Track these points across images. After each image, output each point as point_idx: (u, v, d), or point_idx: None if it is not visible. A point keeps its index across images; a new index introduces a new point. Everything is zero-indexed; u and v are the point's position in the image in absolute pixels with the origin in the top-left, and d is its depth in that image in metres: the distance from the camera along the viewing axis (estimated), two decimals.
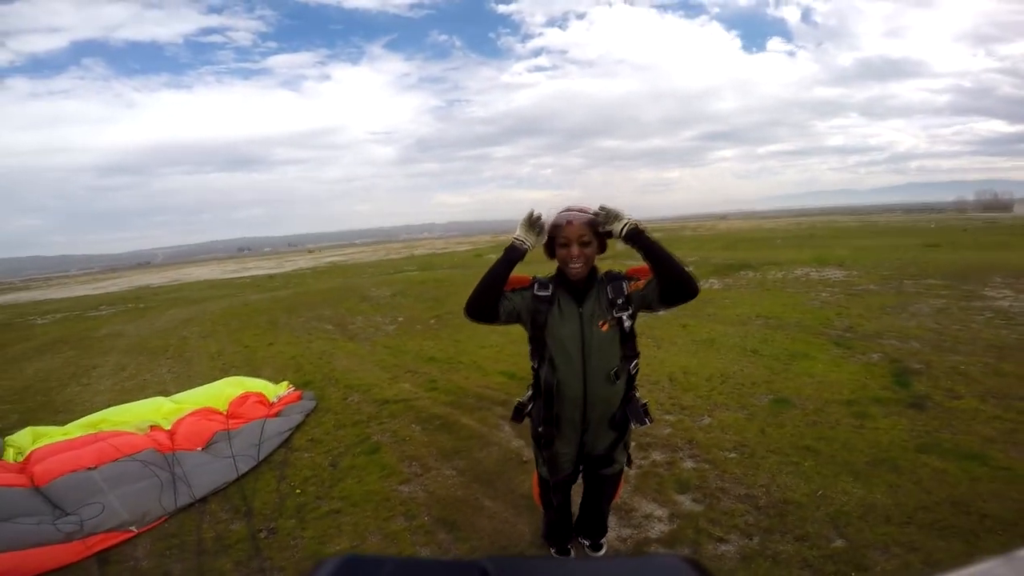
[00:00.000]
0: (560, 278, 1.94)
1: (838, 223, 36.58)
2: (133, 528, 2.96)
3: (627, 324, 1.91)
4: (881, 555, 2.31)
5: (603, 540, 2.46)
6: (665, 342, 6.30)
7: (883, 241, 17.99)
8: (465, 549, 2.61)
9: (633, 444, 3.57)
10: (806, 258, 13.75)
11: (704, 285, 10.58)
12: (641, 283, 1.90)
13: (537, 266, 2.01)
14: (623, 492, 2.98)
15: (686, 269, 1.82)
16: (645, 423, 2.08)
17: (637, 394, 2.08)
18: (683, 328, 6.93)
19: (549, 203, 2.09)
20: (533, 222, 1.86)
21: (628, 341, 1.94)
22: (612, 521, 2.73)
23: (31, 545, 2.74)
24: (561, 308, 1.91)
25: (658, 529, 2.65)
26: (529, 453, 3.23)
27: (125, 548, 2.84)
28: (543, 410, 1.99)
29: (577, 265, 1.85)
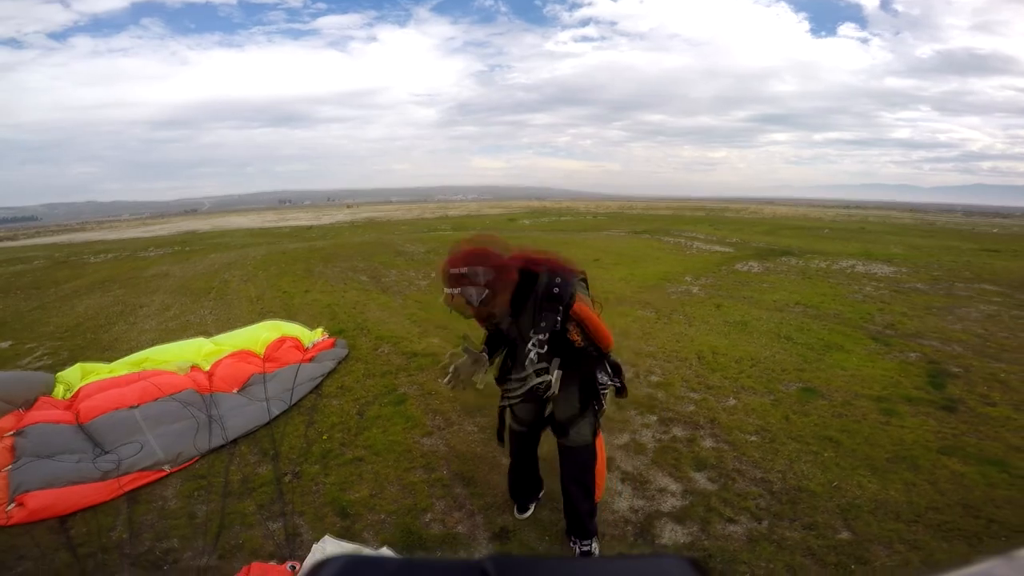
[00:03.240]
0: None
1: (893, 218, 34.71)
2: (166, 468, 3.10)
3: (543, 341, 1.95)
4: (884, 550, 2.31)
5: (589, 544, 2.29)
6: (697, 320, 6.23)
7: (939, 242, 17.01)
8: (480, 505, 2.71)
9: (655, 418, 3.62)
10: (853, 251, 13.16)
11: (743, 267, 10.35)
12: (579, 341, 1.96)
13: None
14: (640, 464, 3.03)
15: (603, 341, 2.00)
16: (602, 405, 2.17)
17: (605, 376, 2.12)
18: (717, 308, 6.82)
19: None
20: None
21: (555, 349, 1.97)
22: (626, 490, 2.80)
23: (68, 483, 2.86)
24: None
25: (670, 503, 2.70)
26: None
27: (155, 488, 2.98)
28: (500, 373, 2.25)
29: (484, 325, 2.11)
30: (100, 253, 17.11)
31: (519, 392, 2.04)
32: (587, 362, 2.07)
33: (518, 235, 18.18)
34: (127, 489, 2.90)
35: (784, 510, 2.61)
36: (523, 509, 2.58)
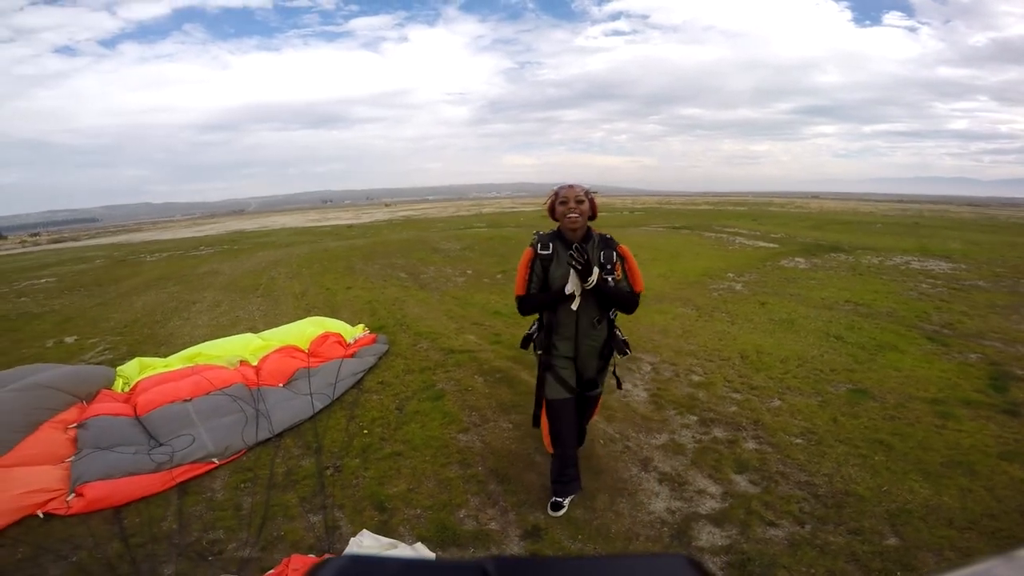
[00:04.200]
0: (559, 235, 2.42)
1: (951, 213, 32.64)
2: (215, 460, 3.22)
3: (610, 281, 2.35)
4: (933, 557, 2.21)
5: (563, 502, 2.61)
6: (740, 318, 6.06)
7: (1002, 237, 15.88)
8: (513, 502, 2.72)
9: (695, 418, 3.57)
10: (908, 246, 12.49)
11: (788, 264, 10.00)
12: (620, 275, 2.39)
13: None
14: (679, 465, 3.00)
15: (629, 299, 2.42)
16: (626, 353, 2.59)
17: (619, 332, 2.56)
18: (761, 306, 6.62)
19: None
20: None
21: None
22: (664, 491, 2.78)
23: (125, 474, 2.97)
24: (559, 260, 2.37)
25: (709, 505, 2.65)
26: None
27: (204, 480, 3.09)
28: (545, 339, 2.49)
29: (574, 215, 2.31)
30: (155, 252, 18.07)
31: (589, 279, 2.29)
32: (610, 326, 2.51)
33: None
34: (179, 480, 3.02)
35: (829, 514, 2.53)
36: (558, 506, 2.59)
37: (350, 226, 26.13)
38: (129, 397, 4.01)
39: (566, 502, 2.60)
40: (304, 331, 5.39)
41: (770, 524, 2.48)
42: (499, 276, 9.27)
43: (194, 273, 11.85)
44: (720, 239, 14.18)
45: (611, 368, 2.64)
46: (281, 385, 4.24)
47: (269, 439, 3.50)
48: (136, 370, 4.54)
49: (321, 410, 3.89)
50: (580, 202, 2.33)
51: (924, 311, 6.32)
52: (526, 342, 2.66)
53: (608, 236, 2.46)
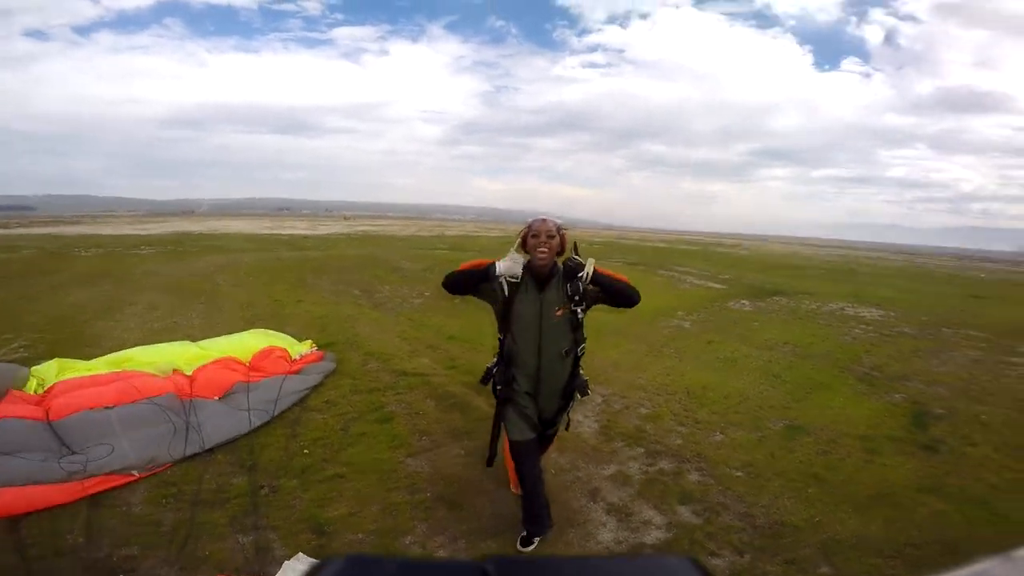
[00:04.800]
0: (529, 268, 2.38)
1: (884, 261, 35.32)
2: (136, 472, 3.00)
3: (580, 315, 2.36)
4: None
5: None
6: (687, 356, 6.25)
7: (928, 286, 17.29)
8: (463, 529, 2.65)
9: (642, 450, 3.62)
10: (843, 293, 13.32)
11: (734, 305, 10.42)
12: (598, 288, 2.37)
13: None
14: (626, 496, 3.03)
15: (630, 289, 2.39)
16: (587, 393, 2.58)
17: (581, 372, 2.53)
18: (707, 344, 6.85)
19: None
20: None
21: (578, 328, 2.40)
22: (611, 521, 2.79)
23: (29, 482, 2.75)
24: (527, 292, 2.35)
25: (654, 535, 2.67)
26: None
27: (121, 492, 2.87)
28: (504, 373, 2.43)
29: (543, 251, 2.31)
30: (92, 247, 16.95)
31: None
32: (574, 366, 2.48)
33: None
34: (91, 492, 2.80)
35: (766, 544, 2.61)
36: (528, 543, 2.52)
37: (306, 237, 25.43)
38: (42, 400, 3.69)
39: (536, 540, 2.54)
40: (246, 343, 5.15)
41: (712, 554, 2.53)
42: (457, 300, 9.15)
43: (131, 273, 11.17)
44: (672, 277, 14.66)
45: (568, 410, 2.57)
46: (217, 398, 4.01)
47: (199, 454, 3.29)
48: (54, 371, 4.18)
49: (259, 427, 3.70)
50: (551, 237, 2.34)
51: (856, 354, 6.73)
52: (487, 377, 2.52)
53: (571, 263, 2.37)
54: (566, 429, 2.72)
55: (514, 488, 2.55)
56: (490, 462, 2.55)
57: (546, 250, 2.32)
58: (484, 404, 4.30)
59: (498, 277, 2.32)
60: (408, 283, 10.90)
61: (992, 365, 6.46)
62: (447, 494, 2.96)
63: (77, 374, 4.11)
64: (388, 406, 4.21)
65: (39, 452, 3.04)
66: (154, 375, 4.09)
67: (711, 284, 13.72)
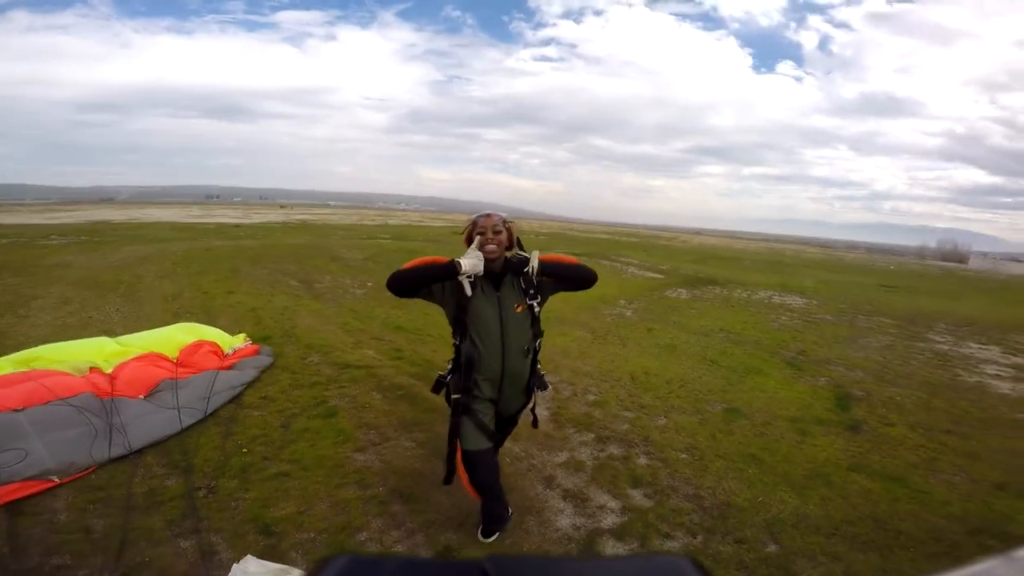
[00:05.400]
0: None
1: (806, 253, 38.06)
2: (55, 478, 2.75)
3: (536, 309, 2.30)
4: (808, 563, 2.44)
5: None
6: (630, 342, 6.42)
7: (845, 277, 18.80)
8: (420, 522, 2.57)
9: (592, 436, 3.67)
10: (771, 282, 14.19)
11: (672, 294, 10.82)
12: (551, 278, 2.33)
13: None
14: (580, 482, 3.07)
15: (583, 270, 2.36)
16: (547, 388, 2.54)
17: (538, 366, 2.45)
18: (648, 332, 7.07)
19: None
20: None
21: (536, 322, 2.33)
22: (568, 508, 2.81)
23: None
24: (483, 292, 2.24)
25: (610, 520, 2.71)
26: None
27: (43, 499, 2.63)
28: (462, 380, 2.27)
29: (492, 247, 2.20)
30: None
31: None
32: (534, 362, 2.39)
33: (459, 249, 18.09)
34: (6, 500, 2.55)
35: (716, 525, 2.70)
36: (490, 533, 2.47)
37: (237, 225, 23.95)
38: None
39: (497, 532, 2.49)
40: (173, 337, 4.76)
41: (666, 536, 2.60)
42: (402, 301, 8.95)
43: (39, 264, 10.07)
44: (615, 267, 15.07)
45: (531, 405, 2.50)
46: (141, 397, 3.69)
47: (125, 456, 3.02)
48: None
49: (191, 426, 3.43)
50: (497, 232, 2.23)
51: (783, 340, 7.17)
52: (438, 386, 2.37)
53: (516, 258, 2.29)
54: (535, 426, 2.63)
55: (473, 496, 2.42)
56: (448, 479, 2.39)
57: (494, 246, 2.21)
58: (433, 395, 4.21)
59: (460, 276, 2.14)
60: (350, 273, 10.53)
61: (902, 350, 7.08)
62: (400, 487, 2.86)
63: None
64: (331, 400, 4.03)
65: None
66: (68, 374, 3.71)
67: (651, 274, 14.22)
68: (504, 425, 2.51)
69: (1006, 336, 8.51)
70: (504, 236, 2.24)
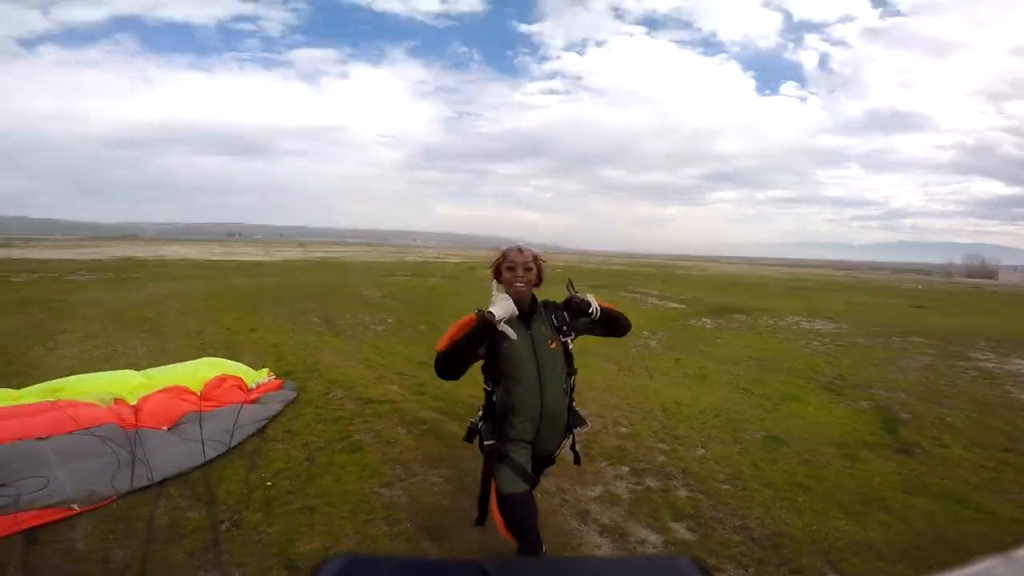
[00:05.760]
0: None
1: (828, 277, 37.34)
2: (75, 506, 2.69)
3: (570, 347, 2.16)
4: None
5: None
6: (658, 373, 6.23)
7: (872, 299, 18.34)
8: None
9: (627, 469, 3.49)
10: (797, 308, 13.87)
11: (696, 323, 10.61)
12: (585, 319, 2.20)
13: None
14: (617, 516, 2.90)
15: (624, 318, 2.28)
16: (586, 425, 2.35)
17: (574, 404, 2.28)
18: (675, 362, 6.88)
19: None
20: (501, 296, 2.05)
21: (569, 360, 2.18)
22: (606, 543, 2.64)
23: None
24: (515, 331, 2.06)
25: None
26: None
27: (62, 527, 2.57)
28: (496, 425, 2.12)
29: (521, 284, 2.07)
30: (23, 272, 15.73)
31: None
32: (570, 400, 2.23)
33: (477, 285, 18.13)
34: (25, 526, 2.51)
35: (768, 556, 2.53)
36: None
37: (259, 263, 24.46)
38: None
39: None
40: (197, 371, 4.75)
41: (716, 569, 2.43)
42: (423, 327, 8.89)
43: (67, 300, 10.35)
44: (634, 298, 14.89)
45: (572, 444, 2.32)
46: (166, 428, 3.65)
47: (148, 487, 2.95)
48: None
49: (214, 458, 3.36)
50: (528, 269, 2.09)
51: (817, 365, 6.92)
52: (471, 435, 2.22)
53: (575, 300, 2.18)
54: (577, 463, 2.42)
55: (506, 536, 2.21)
56: (481, 520, 2.24)
57: (523, 283, 2.08)
58: (459, 429, 4.09)
59: (499, 324, 1.98)
60: (370, 310, 10.56)
61: (944, 370, 6.78)
62: (429, 524, 2.73)
63: (4, 403, 3.68)
64: (356, 435, 3.94)
65: None
66: (93, 404, 3.71)
67: (672, 304, 14.01)
68: (541, 466, 2.30)
69: None
70: (534, 273, 2.12)
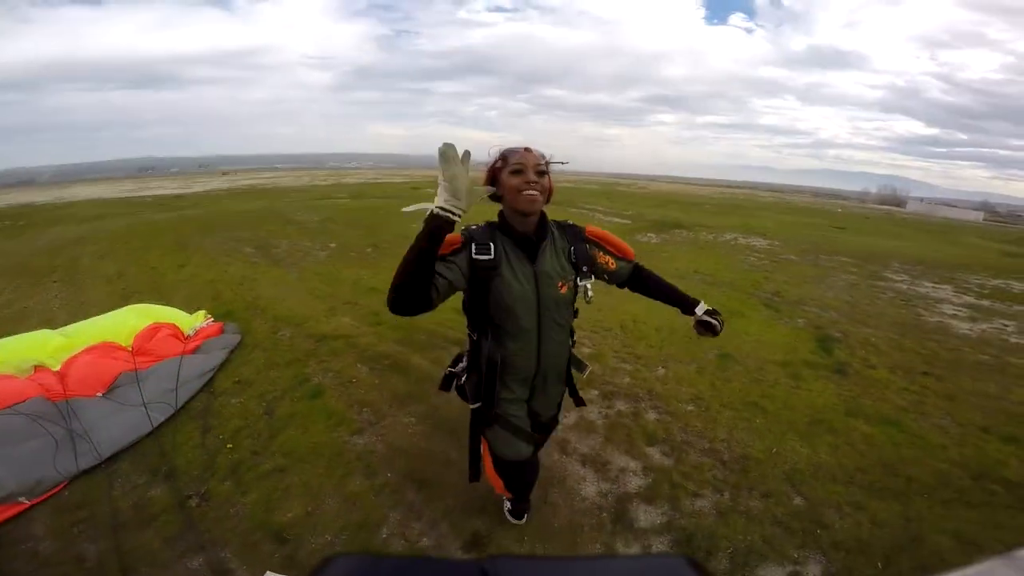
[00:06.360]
0: (504, 228, 1.60)
1: (759, 197, 39.09)
2: (23, 500, 2.43)
3: (587, 291, 1.67)
4: (836, 514, 2.43)
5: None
6: (612, 290, 6.30)
7: (798, 218, 19.39)
8: (440, 510, 2.39)
9: (596, 392, 3.53)
10: (733, 224, 14.42)
11: (643, 238, 10.80)
12: (612, 262, 1.75)
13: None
14: (595, 444, 2.96)
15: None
16: (586, 369, 1.99)
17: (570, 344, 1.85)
18: None
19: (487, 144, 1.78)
20: (461, 160, 1.33)
21: (573, 304, 1.75)
22: (589, 474, 2.69)
23: None
24: (512, 269, 1.57)
25: (635, 483, 2.62)
26: None
27: (16, 526, 2.31)
28: (483, 385, 1.69)
29: (534, 192, 1.52)
30: None
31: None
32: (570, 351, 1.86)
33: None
34: None
35: (739, 480, 2.66)
36: (520, 513, 2.28)
37: (178, 196, 22.23)
38: None
39: (527, 514, 2.31)
40: (125, 322, 4.26)
41: (695, 495, 2.53)
42: (369, 250, 8.53)
43: None
44: (582, 214, 14.90)
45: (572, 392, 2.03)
46: (100, 395, 3.29)
47: (97, 466, 2.69)
48: None
49: (163, 423, 3.10)
50: (541, 174, 1.56)
51: (756, 281, 7.27)
52: (447, 383, 1.83)
53: (570, 223, 1.76)
54: (580, 405, 2.12)
55: (500, 492, 2.08)
56: (475, 477, 1.92)
57: (536, 192, 1.53)
58: (423, 361, 4.01)
59: (456, 218, 1.36)
60: (309, 236, 9.95)
61: (866, 289, 7.29)
62: (410, 471, 2.66)
63: None
64: (314, 378, 3.74)
65: None
66: (12, 376, 3.27)
67: (618, 220, 14.24)
68: (543, 429, 2.00)
69: (954, 275, 8.86)
70: (547, 181, 1.58)
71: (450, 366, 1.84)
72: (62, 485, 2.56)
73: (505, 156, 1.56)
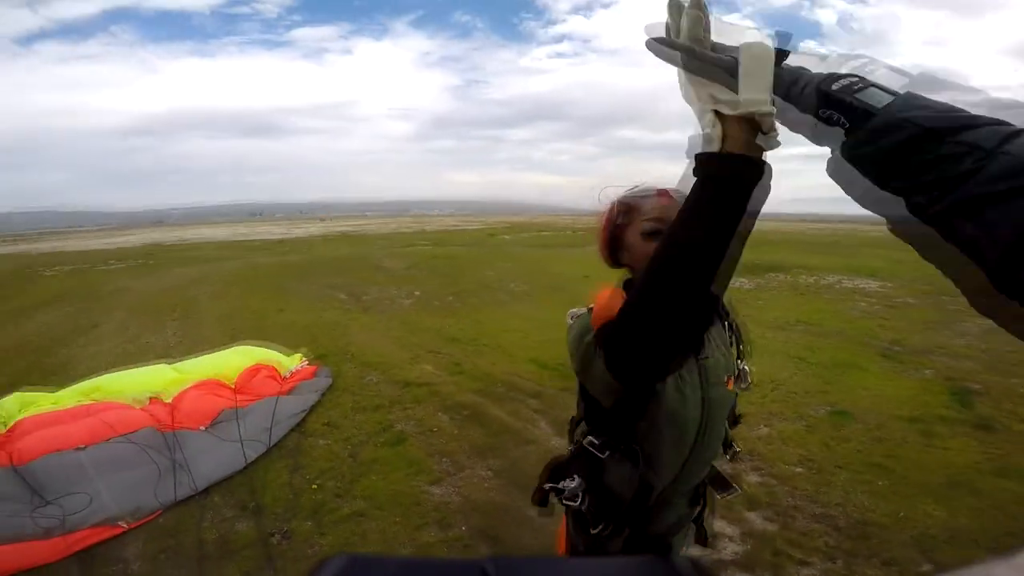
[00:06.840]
0: None
1: (862, 231, 36.02)
2: (122, 524, 2.61)
3: (747, 376, 1.17)
4: None
5: None
6: None
7: (911, 255, 17.48)
8: None
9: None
10: (835, 265, 13.23)
11: (734, 284, 10.09)
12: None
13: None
14: None
15: None
16: (732, 489, 1.25)
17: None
18: None
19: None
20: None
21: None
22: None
23: (4, 538, 2.41)
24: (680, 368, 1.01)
25: (731, 549, 2.37)
26: None
27: (112, 546, 2.48)
28: (602, 515, 1.05)
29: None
30: (56, 266, 15.98)
31: None
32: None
33: (499, 252, 17.81)
34: (76, 549, 2.42)
35: (856, 547, 2.36)
36: None
37: (282, 241, 24.54)
38: (6, 441, 3.20)
39: None
40: (230, 361, 4.62)
41: (802, 563, 2.27)
42: (450, 299, 8.71)
43: (100, 291, 10.44)
44: None
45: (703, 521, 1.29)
46: (203, 428, 3.53)
47: (191, 497, 2.85)
48: (16, 407, 3.66)
49: (255, 460, 3.24)
50: None
51: (870, 329, 6.51)
52: (543, 500, 1.11)
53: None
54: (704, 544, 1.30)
55: None
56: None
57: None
58: (502, 414, 3.92)
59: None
60: (396, 283, 10.43)
61: (1005, 334, 6.30)
62: (484, 527, 2.57)
63: (42, 408, 3.61)
64: (397, 424, 3.78)
65: (7, 502, 2.65)
66: (128, 406, 3.62)
67: None
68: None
69: None
70: None
71: (550, 484, 1.11)
72: (158, 512, 2.73)
73: (630, 206, 1.08)
